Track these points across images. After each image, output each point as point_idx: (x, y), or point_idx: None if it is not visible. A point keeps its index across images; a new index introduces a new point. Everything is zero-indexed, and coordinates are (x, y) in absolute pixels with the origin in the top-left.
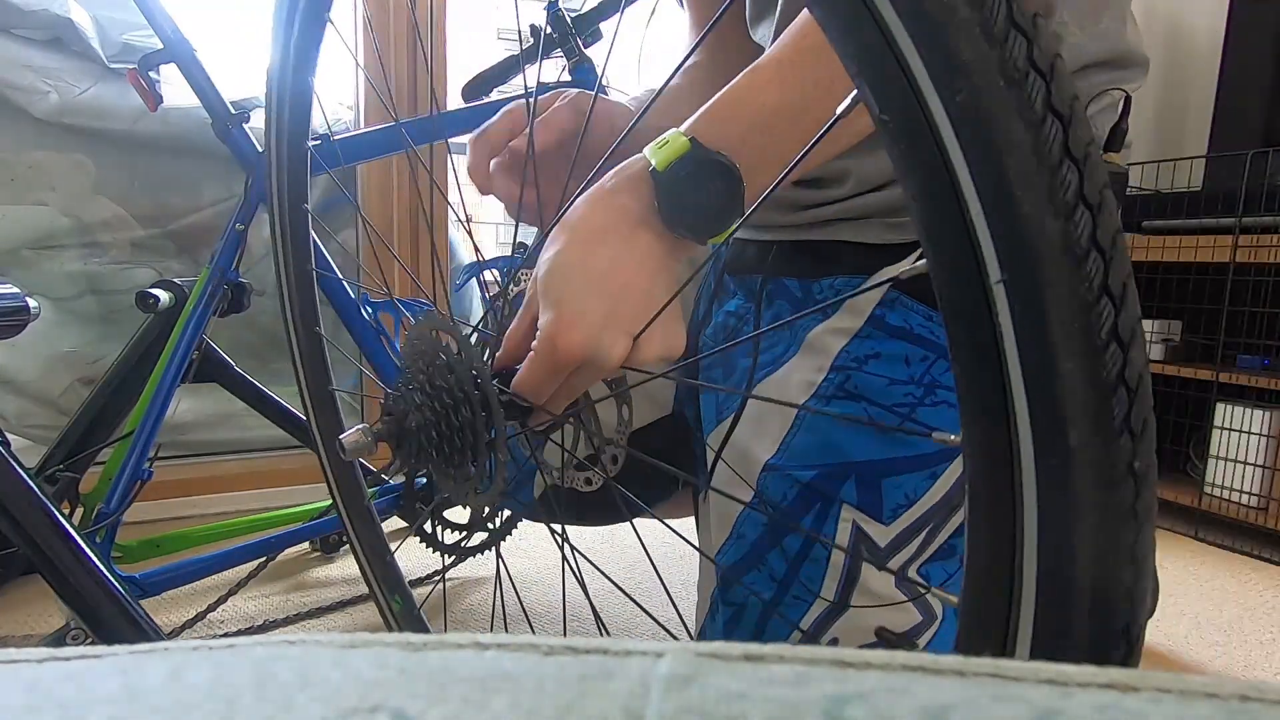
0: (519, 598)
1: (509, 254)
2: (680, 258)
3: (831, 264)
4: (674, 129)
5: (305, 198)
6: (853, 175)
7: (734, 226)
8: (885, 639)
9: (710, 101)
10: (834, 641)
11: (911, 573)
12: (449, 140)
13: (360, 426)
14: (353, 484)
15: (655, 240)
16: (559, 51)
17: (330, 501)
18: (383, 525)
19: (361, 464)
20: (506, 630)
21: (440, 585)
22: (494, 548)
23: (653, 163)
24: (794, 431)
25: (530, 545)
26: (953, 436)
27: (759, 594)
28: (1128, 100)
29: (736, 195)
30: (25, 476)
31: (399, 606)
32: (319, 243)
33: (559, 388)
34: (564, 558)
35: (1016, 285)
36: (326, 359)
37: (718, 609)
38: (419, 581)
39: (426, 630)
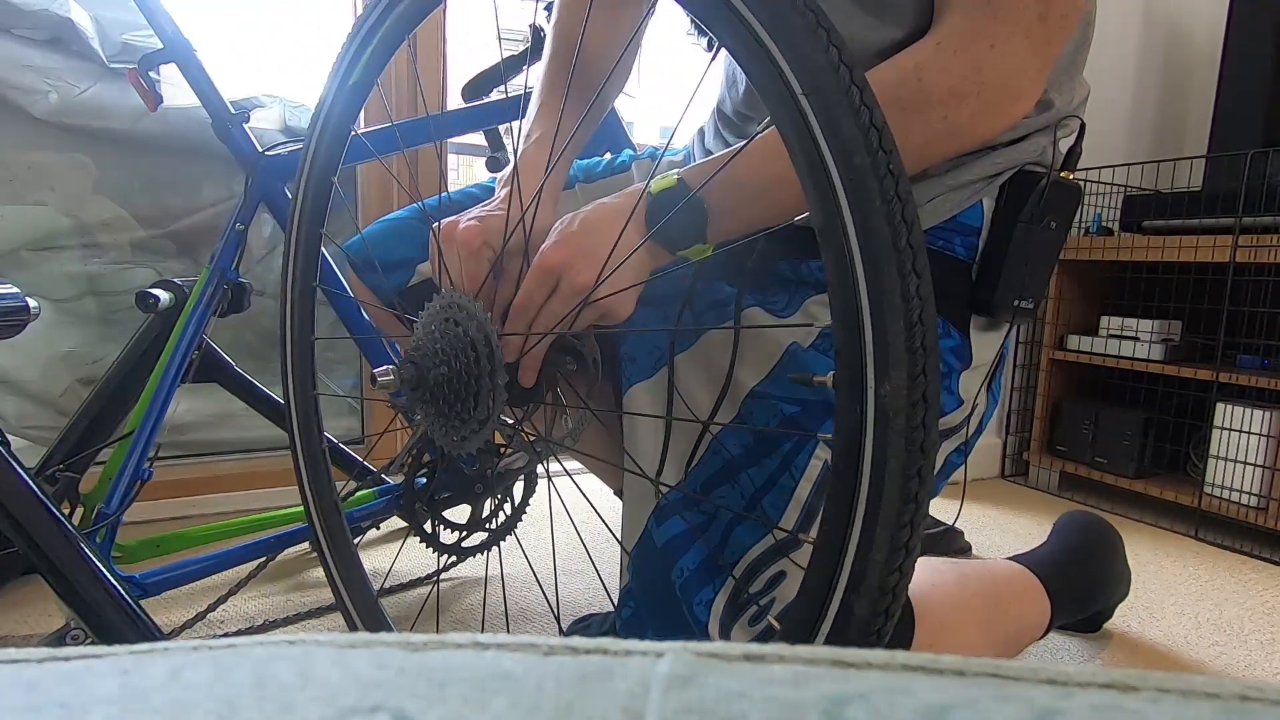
0: (506, 596)
1: None
2: (653, 258)
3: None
4: (677, 170)
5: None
6: None
7: (706, 251)
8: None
9: (710, 158)
10: (780, 574)
11: None
12: (449, 140)
13: (390, 366)
14: (340, 530)
15: (637, 235)
16: None
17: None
18: (381, 526)
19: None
20: (508, 628)
21: (439, 586)
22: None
23: (651, 188)
24: (782, 364)
25: (530, 545)
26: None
27: (728, 507)
28: (1083, 126)
29: (701, 226)
30: (25, 476)
31: None
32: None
33: (541, 312)
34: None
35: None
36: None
37: (671, 514)
38: (418, 582)
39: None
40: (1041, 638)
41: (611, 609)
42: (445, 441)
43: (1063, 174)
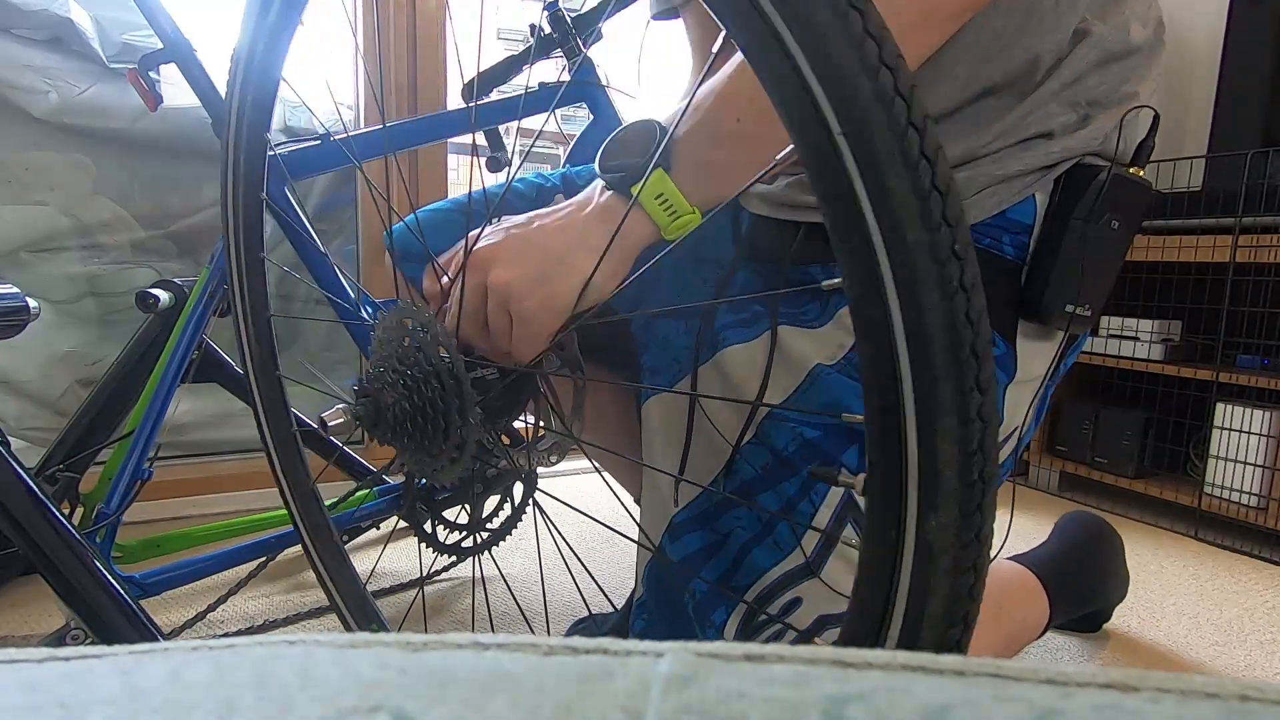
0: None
1: None
2: (601, 227)
3: None
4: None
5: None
6: None
7: (695, 218)
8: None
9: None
10: (796, 600)
11: None
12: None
13: (339, 406)
14: (322, 525)
15: (577, 211)
16: (559, 51)
17: (329, 502)
18: (381, 526)
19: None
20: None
21: (440, 586)
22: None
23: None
24: (805, 387)
25: (531, 545)
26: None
27: (742, 529)
28: (1156, 118)
29: (665, 155)
30: (25, 476)
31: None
32: (320, 244)
33: (489, 321)
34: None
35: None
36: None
37: (685, 533)
38: (418, 582)
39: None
40: (1039, 637)
41: (612, 609)
42: (421, 473)
43: (1131, 169)
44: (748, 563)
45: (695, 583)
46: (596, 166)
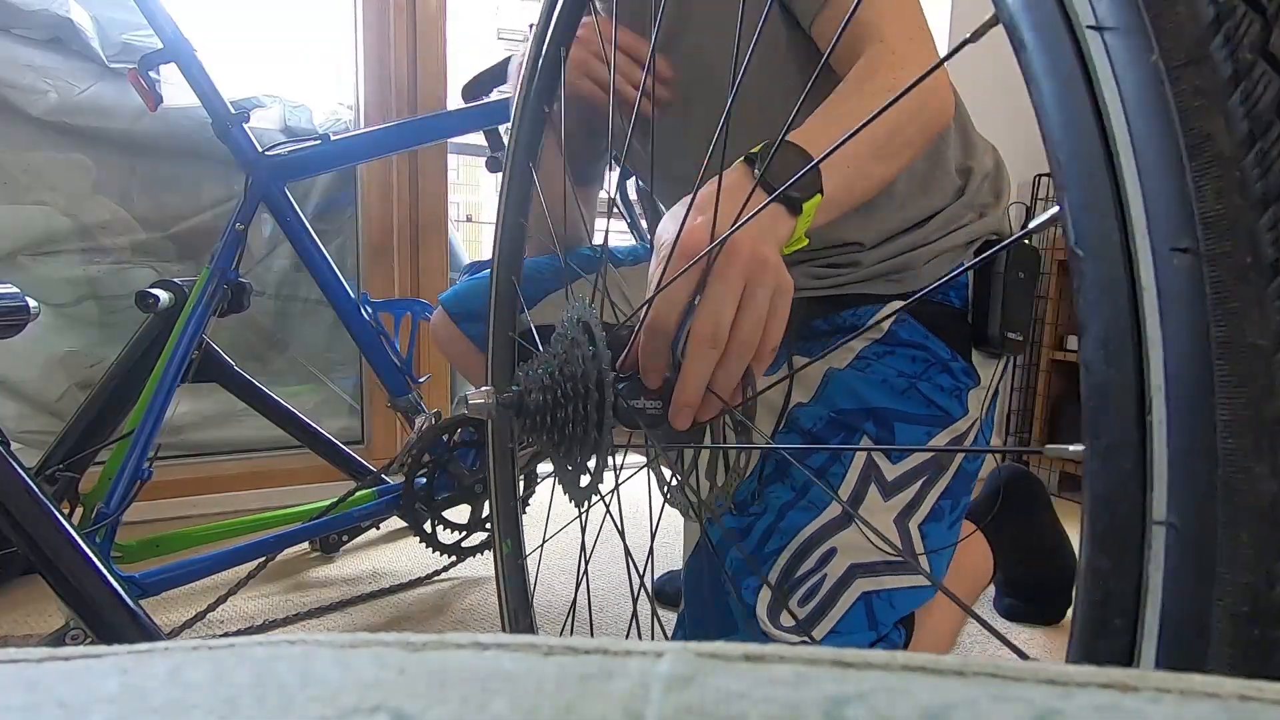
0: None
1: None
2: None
3: (846, 305)
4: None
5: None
6: (861, 264)
7: (803, 240)
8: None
9: (828, 114)
10: (832, 551)
11: (912, 526)
12: (449, 140)
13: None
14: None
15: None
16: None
17: (329, 501)
18: (382, 525)
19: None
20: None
21: (440, 586)
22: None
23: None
24: (824, 384)
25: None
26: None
27: (778, 496)
28: (1026, 209)
29: (815, 178)
30: (25, 476)
31: (508, 549)
32: (320, 245)
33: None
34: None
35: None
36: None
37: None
38: (418, 582)
39: (526, 580)
40: (989, 584)
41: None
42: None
43: (1025, 240)
44: (786, 524)
45: (733, 551)
46: (756, 166)
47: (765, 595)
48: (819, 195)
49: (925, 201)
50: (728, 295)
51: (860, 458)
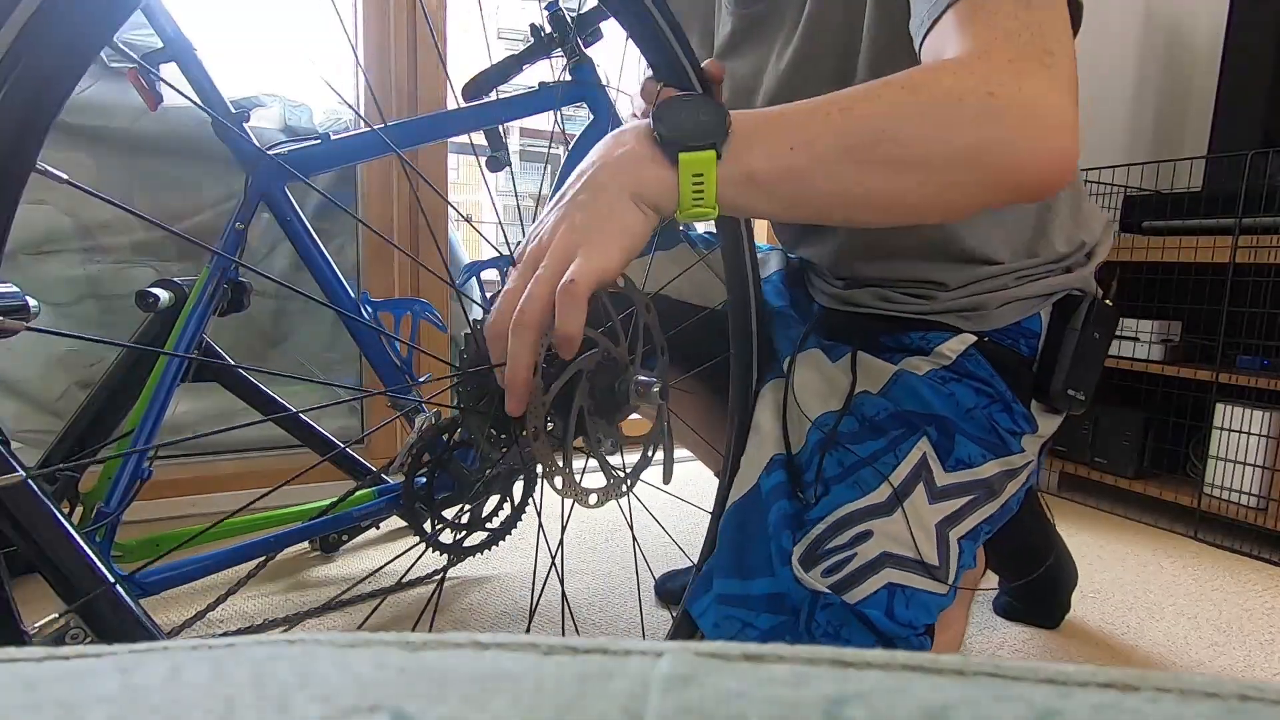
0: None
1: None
2: (653, 165)
3: (914, 327)
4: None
5: None
6: (937, 299)
7: (711, 212)
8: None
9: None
10: (867, 533)
11: (953, 536)
12: (449, 140)
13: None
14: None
15: (628, 201)
16: (559, 51)
17: (329, 501)
18: (382, 524)
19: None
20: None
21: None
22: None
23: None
24: (893, 382)
25: (530, 545)
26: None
27: (828, 468)
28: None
29: (718, 126)
30: (25, 475)
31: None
32: (320, 244)
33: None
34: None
35: None
36: None
37: (777, 467)
38: (419, 581)
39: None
40: (983, 573)
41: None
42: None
43: (1105, 300)
44: (829, 495)
45: (779, 502)
46: (651, 116)
47: (804, 544)
48: (711, 151)
49: (1022, 264)
50: (521, 279)
51: (915, 455)
